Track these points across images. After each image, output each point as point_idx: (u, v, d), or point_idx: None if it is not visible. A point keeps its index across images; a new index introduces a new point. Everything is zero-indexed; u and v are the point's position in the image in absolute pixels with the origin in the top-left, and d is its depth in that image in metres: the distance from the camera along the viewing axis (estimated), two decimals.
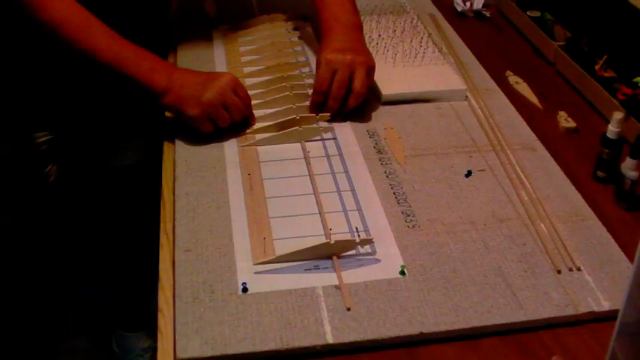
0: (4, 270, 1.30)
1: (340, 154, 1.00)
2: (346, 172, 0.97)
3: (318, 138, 1.03)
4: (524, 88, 1.21)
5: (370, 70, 1.05)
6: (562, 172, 0.98)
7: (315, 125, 1.04)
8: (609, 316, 0.75)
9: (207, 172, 0.96)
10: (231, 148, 1.01)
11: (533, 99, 1.18)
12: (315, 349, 0.72)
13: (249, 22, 1.33)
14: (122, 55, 0.96)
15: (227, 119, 0.99)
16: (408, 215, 0.89)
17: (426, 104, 1.12)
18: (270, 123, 1.04)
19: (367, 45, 1.10)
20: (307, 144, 1.02)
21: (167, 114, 1.05)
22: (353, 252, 0.82)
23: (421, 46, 1.24)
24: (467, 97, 1.14)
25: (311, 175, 0.95)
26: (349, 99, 1.04)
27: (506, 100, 1.15)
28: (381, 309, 0.75)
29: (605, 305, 0.77)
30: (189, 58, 1.23)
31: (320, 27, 1.10)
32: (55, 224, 1.31)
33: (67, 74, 1.09)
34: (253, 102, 1.05)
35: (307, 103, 1.07)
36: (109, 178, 1.28)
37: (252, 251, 0.82)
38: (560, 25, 1.33)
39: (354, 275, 0.79)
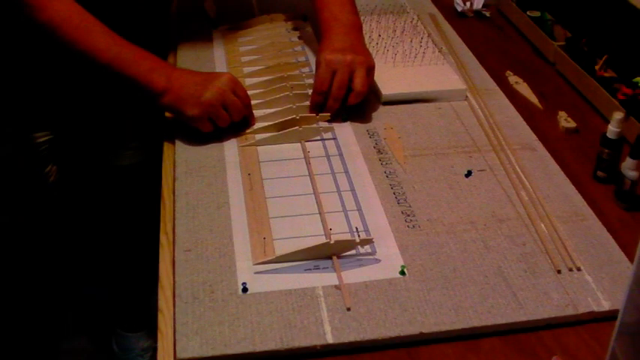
0: (4, 270, 1.30)
1: (340, 154, 1.00)
2: (346, 172, 0.97)
3: (318, 138, 1.03)
4: (524, 88, 1.21)
5: (370, 69, 1.05)
6: (562, 172, 0.98)
7: (315, 125, 1.04)
8: (609, 316, 0.75)
9: (207, 172, 0.96)
10: (231, 148, 1.01)
11: (533, 99, 1.18)
12: (315, 349, 0.72)
13: (249, 22, 1.33)
14: (122, 56, 0.96)
15: (227, 119, 0.99)
16: (408, 215, 0.89)
17: (426, 104, 1.12)
18: (270, 123, 1.04)
19: (367, 45, 1.10)
20: (307, 144, 1.02)
21: (167, 114, 1.05)
22: (353, 252, 0.82)
23: (421, 46, 1.24)
24: (467, 97, 1.14)
25: (311, 175, 0.95)
26: (349, 97, 1.04)
27: (506, 100, 1.15)
28: (381, 309, 0.75)
29: (605, 305, 0.77)
30: (189, 58, 1.23)
31: (320, 27, 1.10)
32: (55, 224, 1.31)
33: (67, 74, 1.09)
34: (253, 102, 1.05)
35: (307, 103, 1.07)
36: (109, 178, 1.28)
37: (252, 251, 0.82)
38: (560, 25, 1.33)
39: (354, 275, 0.79)
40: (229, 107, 0.99)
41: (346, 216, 0.88)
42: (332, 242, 0.80)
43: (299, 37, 1.30)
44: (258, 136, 1.02)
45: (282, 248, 0.82)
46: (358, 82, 1.02)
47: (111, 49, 0.95)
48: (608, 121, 0.96)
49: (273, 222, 0.87)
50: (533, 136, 1.05)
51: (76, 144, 1.21)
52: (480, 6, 1.47)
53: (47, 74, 1.10)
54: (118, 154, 1.26)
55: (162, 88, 0.97)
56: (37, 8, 0.92)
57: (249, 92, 1.04)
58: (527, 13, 1.39)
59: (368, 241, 0.83)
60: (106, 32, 0.96)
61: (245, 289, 0.77)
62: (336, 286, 0.78)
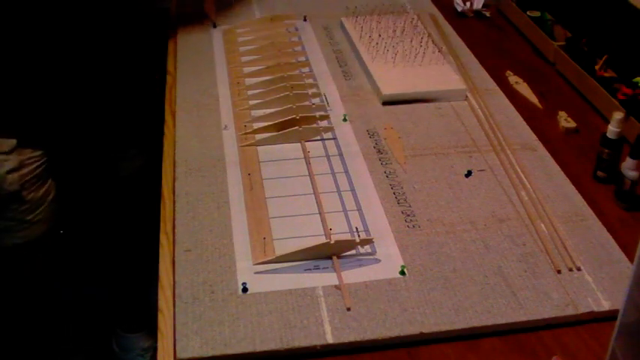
0: (4, 270, 1.30)
1: (340, 154, 1.00)
2: (346, 172, 0.97)
3: (318, 138, 1.03)
4: (524, 88, 1.21)
5: None
6: (562, 172, 0.98)
7: (315, 125, 1.04)
8: (609, 316, 0.75)
9: (207, 172, 0.96)
10: (231, 148, 1.01)
11: (533, 99, 1.18)
12: (315, 349, 0.72)
13: (249, 22, 1.33)
14: None
15: None
16: (408, 215, 0.89)
17: (426, 104, 1.12)
18: (270, 123, 1.03)
19: (367, 45, 1.10)
20: (307, 144, 1.02)
21: (168, 113, 1.05)
22: (353, 252, 0.82)
23: (421, 46, 1.24)
24: (467, 97, 1.14)
25: (311, 175, 0.95)
26: None
27: (506, 100, 1.15)
28: (381, 309, 0.75)
29: (605, 305, 0.77)
30: (189, 58, 1.23)
31: None
32: (55, 224, 1.31)
33: (60, 91, 1.08)
34: (253, 102, 1.05)
35: (307, 103, 1.07)
36: (110, 182, 1.28)
37: (252, 251, 0.82)
38: (560, 25, 1.33)
39: (354, 275, 0.79)
40: None
41: (346, 216, 0.88)
42: (332, 242, 0.80)
43: (299, 37, 1.30)
44: (258, 136, 1.02)
45: (282, 248, 0.82)
46: None
47: None
48: (608, 121, 0.96)
49: (273, 222, 0.87)
50: (533, 136, 1.05)
51: (72, 159, 1.21)
52: (480, 6, 1.47)
53: (39, 90, 1.09)
54: (118, 161, 1.25)
55: None
56: None
57: (249, 92, 1.04)
58: (527, 13, 1.39)
59: (368, 241, 0.83)
60: None
61: (245, 289, 0.77)
62: (336, 286, 0.78)
